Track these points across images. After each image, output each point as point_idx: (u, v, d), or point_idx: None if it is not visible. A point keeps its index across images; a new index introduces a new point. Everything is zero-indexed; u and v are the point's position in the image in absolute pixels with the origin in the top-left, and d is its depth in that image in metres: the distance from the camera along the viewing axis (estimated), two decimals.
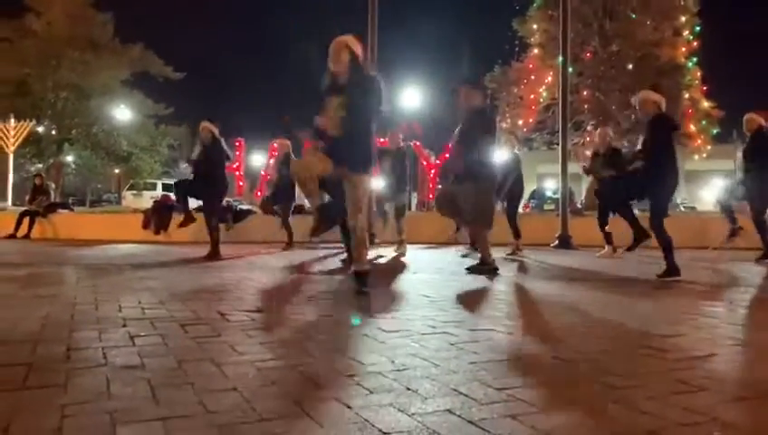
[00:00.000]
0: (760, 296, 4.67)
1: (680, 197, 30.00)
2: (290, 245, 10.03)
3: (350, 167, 4.39)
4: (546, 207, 24.24)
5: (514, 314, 3.58)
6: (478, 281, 5.41)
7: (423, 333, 2.90)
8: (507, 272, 6.22)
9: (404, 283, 5.19)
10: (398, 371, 2.21)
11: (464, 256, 8.26)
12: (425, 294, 4.42)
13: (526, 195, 27.38)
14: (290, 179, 10.09)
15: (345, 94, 4.39)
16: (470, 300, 4.33)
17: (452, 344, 2.66)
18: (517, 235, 8.97)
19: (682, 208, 25.83)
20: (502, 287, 5.02)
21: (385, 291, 4.68)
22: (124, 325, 3.05)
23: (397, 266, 6.89)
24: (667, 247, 5.59)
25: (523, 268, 6.82)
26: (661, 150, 5.75)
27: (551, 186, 29.06)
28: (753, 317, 3.69)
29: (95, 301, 3.91)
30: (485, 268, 5.85)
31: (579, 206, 14.98)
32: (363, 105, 4.33)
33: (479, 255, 6.19)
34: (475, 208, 5.81)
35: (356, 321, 3.27)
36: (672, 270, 5.51)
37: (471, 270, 5.91)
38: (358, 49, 4.47)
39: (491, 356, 2.44)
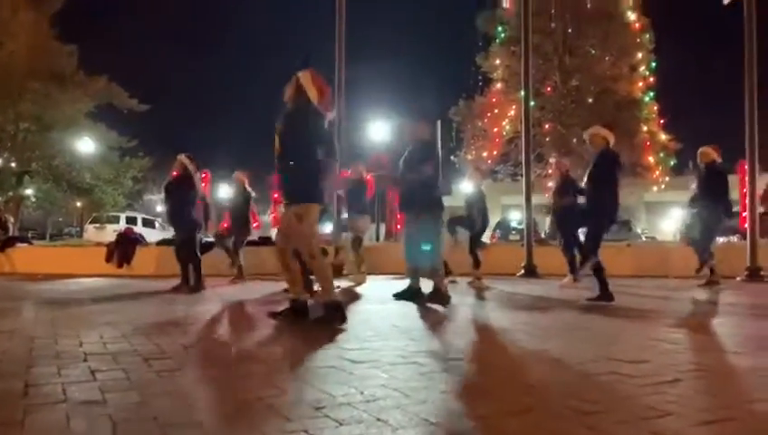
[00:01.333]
0: (715, 322, 4.76)
1: (640, 227, 30.64)
2: (239, 277, 9.77)
3: (287, 199, 4.41)
4: (511, 237, 24.51)
5: (484, 342, 3.59)
6: (448, 311, 5.41)
7: (393, 364, 2.88)
8: (475, 301, 6.24)
9: (372, 313, 5.15)
10: (368, 401, 2.18)
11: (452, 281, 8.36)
12: (394, 324, 4.40)
13: (492, 226, 27.70)
14: (246, 211, 10.07)
15: (279, 124, 4.45)
16: (440, 330, 4.33)
17: (422, 374, 2.65)
18: (476, 265, 9.05)
19: (643, 238, 26.34)
20: (471, 317, 5.04)
21: (353, 321, 4.64)
22: (85, 360, 2.96)
23: (365, 297, 6.85)
24: (598, 274, 5.82)
25: (490, 298, 6.85)
26: (604, 183, 6.02)
27: (515, 217, 29.47)
28: (711, 342, 3.76)
29: (54, 335, 3.79)
30: (439, 297, 5.91)
31: (543, 236, 15.21)
32: (294, 134, 4.37)
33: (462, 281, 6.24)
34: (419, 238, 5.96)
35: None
36: (604, 295, 5.75)
37: (429, 298, 5.95)
38: (306, 81, 4.47)
39: (461, 385, 2.43)
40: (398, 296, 6.15)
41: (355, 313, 5.25)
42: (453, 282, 8.81)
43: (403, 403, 2.16)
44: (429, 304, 5.76)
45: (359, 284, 8.75)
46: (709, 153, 8.37)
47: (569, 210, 8.11)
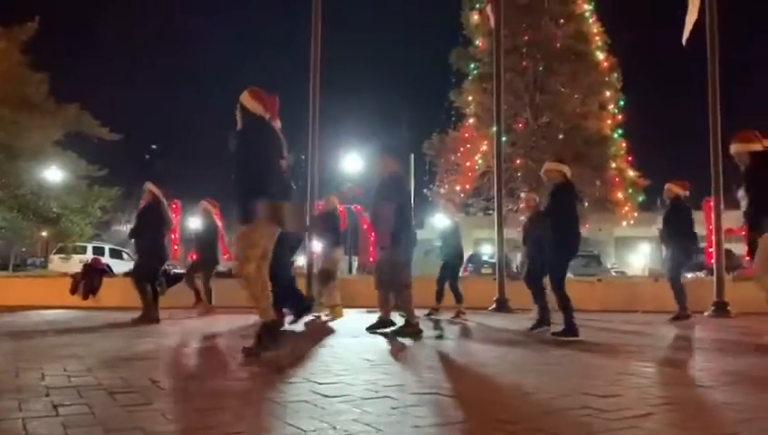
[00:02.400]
0: (684, 357, 4.81)
1: (610, 262, 31.03)
2: (206, 307, 9.63)
3: (237, 218, 4.40)
4: (484, 271, 24.60)
5: (457, 376, 3.57)
6: (420, 344, 5.38)
7: (365, 398, 2.84)
8: (448, 335, 6.23)
9: (344, 347, 5.10)
10: None
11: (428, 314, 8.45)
12: (366, 357, 4.36)
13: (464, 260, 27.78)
14: (215, 241, 10.00)
15: (231, 146, 4.50)
16: (412, 363, 4.29)
17: (394, 409, 2.62)
18: (458, 299, 9.07)
19: (613, 273, 26.66)
20: (443, 351, 5.02)
21: (325, 354, 4.59)
22: (47, 395, 2.86)
23: (337, 331, 6.78)
24: (565, 308, 5.86)
25: (463, 331, 6.85)
26: (561, 217, 6.09)
27: (487, 250, 29.62)
28: (681, 377, 3.79)
29: (16, 368, 3.67)
30: (410, 330, 5.92)
31: (515, 270, 15.29)
32: (237, 153, 4.39)
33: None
34: (392, 272, 6.06)
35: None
36: (570, 330, 5.76)
37: (400, 331, 5.95)
38: (246, 100, 4.49)
39: (434, 420, 2.41)
40: (371, 329, 6.14)
41: (327, 346, 5.19)
42: (432, 313, 8.86)
43: None
44: (400, 338, 5.73)
45: (337, 317, 8.67)
46: (672, 189, 8.58)
47: (538, 242, 8.20)
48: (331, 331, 6.77)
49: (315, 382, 3.27)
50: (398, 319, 6.19)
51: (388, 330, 6.07)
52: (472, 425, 2.35)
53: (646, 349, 5.34)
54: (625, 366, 4.09)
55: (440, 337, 6.34)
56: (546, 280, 6.53)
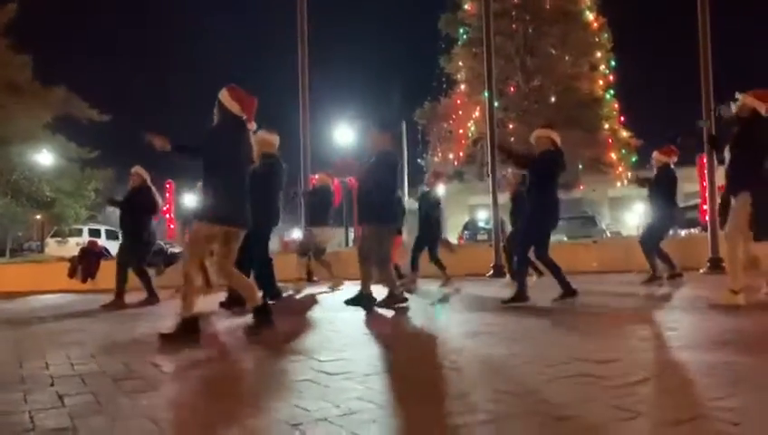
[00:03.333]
0: (679, 317, 4.85)
1: (605, 222, 31.13)
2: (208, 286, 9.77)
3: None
4: (480, 237, 24.68)
5: (455, 348, 3.60)
6: (417, 315, 5.44)
7: (367, 374, 2.88)
8: (442, 305, 6.27)
9: (344, 321, 5.14)
10: (345, 415, 2.18)
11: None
12: (366, 332, 4.41)
13: (459, 226, 27.86)
14: None
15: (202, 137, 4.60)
16: (412, 336, 4.34)
17: (398, 384, 2.65)
18: (442, 268, 9.18)
19: (608, 233, 26.74)
20: (438, 322, 5.07)
21: (325, 330, 4.63)
22: (52, 384, 2.89)
23: (333, 304, 6.84)
24: (518, 273, 5.97)
25: (457, 301, 6.88)
26: (542, 185, 6.06)
27: (483, 216, 29.66)
28: (677, 339, 3.84)
29: (19, 358, 3.70)
30: (393, 301, 6.01)
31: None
32: (207, 150, 4.46)
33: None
34: (372, 246, 6.14)
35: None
36: (521, 296, 5.80)
37: (384, 302, 6.04)
38: (225, 98, 4.51)
39: (438, 395, 2.44)
40: (350, 302, 6.21)
41: (326, 321, 5.23)
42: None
43: (379, 416, 2.17)
44: (386, 310, 5.84)
45: (336, 288, 9.13)
46: (659, 158, 8.56)
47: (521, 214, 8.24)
48: (327, 305, 6.83)
49: (317, 360, 3.31)
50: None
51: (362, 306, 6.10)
52: (472, 398, 2.39)
53: (641, 311, 5.40)
54: (622, 330, 4.14)
55: (435, 305, 6.42)
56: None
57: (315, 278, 11.02)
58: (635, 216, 35.47)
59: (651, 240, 8.34)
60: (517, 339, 3.88)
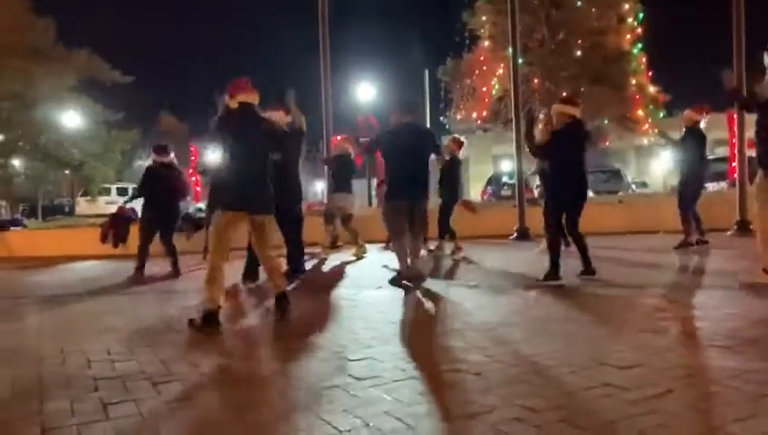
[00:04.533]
0: (705, 300, 4.84)
1: (631, 175, 30.68)
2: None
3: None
4: (504, 192, 24.49)
5: (477, 346, 3.66)
6: (439, 298, 5.51)
7: (395, 380, 2.98)
8: (460, 283, 6.27)
9: (369, 305, 5.24)
10: None
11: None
12: (391, 319, 4.50)
13: (483, 181, 27.68)
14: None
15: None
16: (434, 327, 4.41)
17: (422, 395, 2.75)
18: (452, 236, 9.29)
19: (634, 188, 26.35)
20: (457, 307, 5.11)
21: (351, 315, 4.75)
22: (96, 389, 3.04)
23: (359, 279, 6.95)
24: (553, 249, 6.00)
25: (477, 276, 6.83)
26: (560, 161, 6.10)
27: (507, 168, 29.29)
28: (701, 334, 3.86)
29: (61, 353, 3.87)
30: (401, 278, 6.23)
31: (536, 194, 15.24)
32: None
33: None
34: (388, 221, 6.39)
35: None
36: (553, 274, 5.88)
37: (391, 282, 6.29)
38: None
39: (461, 411, 2.53)
40: (393, 283, 6.30)
41: (353, 305, 5.33)
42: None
43: None
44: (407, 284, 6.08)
45: (360, 256, 9.43)
46: (691, 116, 8.41)
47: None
48: (352, 278, 6.95)
49: (346, 359, 3.43)
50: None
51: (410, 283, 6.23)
52: (495, 417, 2.47)
53: (665, 291, 5.38)
54: (645, 321, 4.17)
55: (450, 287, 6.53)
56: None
57: (340, 244, 11.18)
58: (662, 163, 34.77)
59: (688, 205, 8.32)
60: (540, 333, 3.93)
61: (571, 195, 6.12)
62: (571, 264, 6.22)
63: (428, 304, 5.30)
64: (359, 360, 3.40)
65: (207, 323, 4.34)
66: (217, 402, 2.85)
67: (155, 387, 3.04)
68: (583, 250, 6.03)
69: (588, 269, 6.01)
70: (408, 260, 6.30)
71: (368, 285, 6.36)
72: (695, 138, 8.33)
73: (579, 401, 2.62)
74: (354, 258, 9.25)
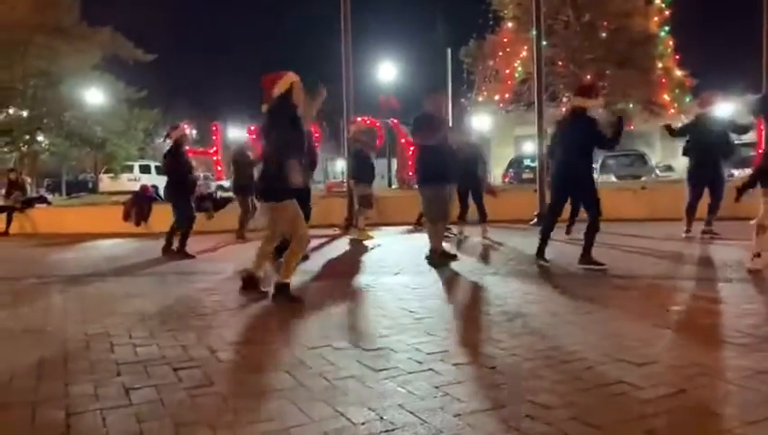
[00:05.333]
0: (722, 293, 4.80)
1: (655, 158, 30.23)
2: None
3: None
4: (525, 175, 24.31)
5: (493, 338, 3.70)
6: (457, 286, 5.54)
7: (410, 372, 3.02)
8: (480, 271, 6.29)
9: (386, 292, 5.28)
10: (388, 431, 2.34)
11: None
12: (409, 308, 4.54)
13: (504, 163, 27.49)
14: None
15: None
16: (451, 317, 4.44)
17: (437, 388, 2.79)
18: (462, 215, 9.63)
19: (658, 172, 25.99)
20: (477, 293, 5.15)
21: (368, 303, 4.80)
22: (118, 374, 3.13)
23: (377, 264, 6.99)
24: (543, 237, 6.52)
25: (497, 262, 6.86)
26: (562, 151, 6.36)
27: (529, 149, 28.99)
28: (717, 330, 3.85)
29: (85, 336, 3.98)
30: (435, 257, 6.72)
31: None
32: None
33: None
34: (425, 205, 6.88)
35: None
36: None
37: (429, 261, 6.75)
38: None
39: (474, 406, 2.57)
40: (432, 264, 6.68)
41: (369, 290, 5.37)
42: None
43: (420, 433, 2.32)
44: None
45: (363, 239, 9.68)
46: (696, 108, 8.63)
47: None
48: (369, 263, 6.99)
49: (361, 348, 3.48)
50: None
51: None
52: (507, 412, 2.50)
53: (682, 284, 5.37)
54: (661, 316, 4.17)
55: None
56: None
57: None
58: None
59: (690, 195, 8.59)
60: (555, 325, 3.95)
61: (559, 181, 6.51)
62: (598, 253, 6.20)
63: (445, 293, 5.33)
64: (374, 350, 3.45)
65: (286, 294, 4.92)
66: (236, 389, 2.92)
67: (176, 373, 3.13)
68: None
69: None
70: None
71: (386, 272, 6.41)
72: (697, 130, 8.51)
73: (592, 398, 2.64)
74: (357, 240, 9.67)
